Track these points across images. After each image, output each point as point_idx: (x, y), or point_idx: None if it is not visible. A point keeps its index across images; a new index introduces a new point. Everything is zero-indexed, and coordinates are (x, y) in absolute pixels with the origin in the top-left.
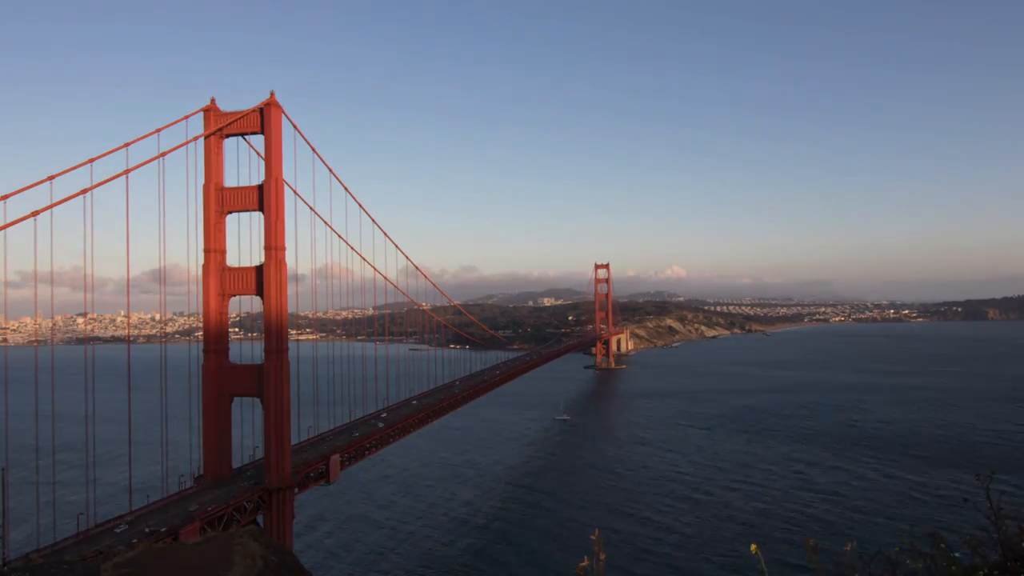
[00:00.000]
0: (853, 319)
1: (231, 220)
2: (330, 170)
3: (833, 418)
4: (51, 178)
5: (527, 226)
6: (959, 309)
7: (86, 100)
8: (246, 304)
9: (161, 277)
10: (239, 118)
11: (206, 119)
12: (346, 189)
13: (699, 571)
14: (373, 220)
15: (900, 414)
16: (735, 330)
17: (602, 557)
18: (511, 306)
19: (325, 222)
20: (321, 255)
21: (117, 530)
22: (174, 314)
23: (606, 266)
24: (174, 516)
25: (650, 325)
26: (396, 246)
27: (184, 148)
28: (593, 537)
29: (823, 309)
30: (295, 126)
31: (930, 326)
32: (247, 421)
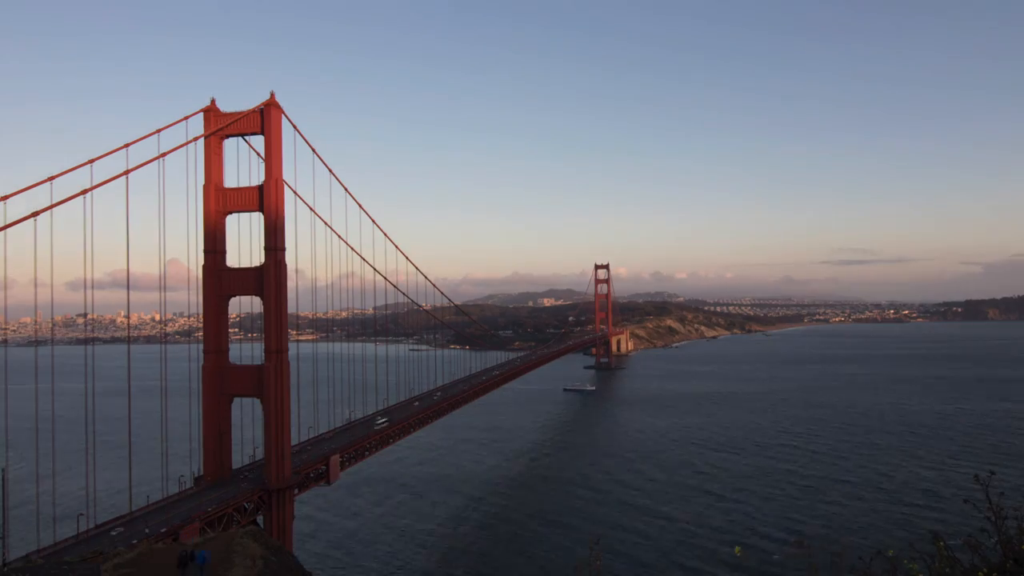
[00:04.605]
0: (853, 319)
1: (231, 220)
2: (330, 171)
3: (834, 424)
4: (51, 179)
5: (527, 226)
6: (959, 309)
7: (86, 100)
8: (246, 304)
9: (161, 278)
10: (239, 119)
11: (206, 120)
12: (346, 189)
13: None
14: (373, 220)
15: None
16: (735, 330)
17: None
18: (511, 306)
19: (325, 222)
20: (321, 256)
21: (114, 532)
22: (174, 314)
23: (606, 266)
24: (174, 516)
25: (650, 325)
26: (396, 246)
27: (184, 149)
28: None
29: (823, 309)
30: (295, 127)
31: (933, 326)
32: (247, 421)
